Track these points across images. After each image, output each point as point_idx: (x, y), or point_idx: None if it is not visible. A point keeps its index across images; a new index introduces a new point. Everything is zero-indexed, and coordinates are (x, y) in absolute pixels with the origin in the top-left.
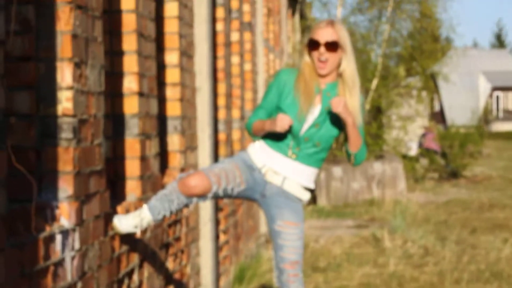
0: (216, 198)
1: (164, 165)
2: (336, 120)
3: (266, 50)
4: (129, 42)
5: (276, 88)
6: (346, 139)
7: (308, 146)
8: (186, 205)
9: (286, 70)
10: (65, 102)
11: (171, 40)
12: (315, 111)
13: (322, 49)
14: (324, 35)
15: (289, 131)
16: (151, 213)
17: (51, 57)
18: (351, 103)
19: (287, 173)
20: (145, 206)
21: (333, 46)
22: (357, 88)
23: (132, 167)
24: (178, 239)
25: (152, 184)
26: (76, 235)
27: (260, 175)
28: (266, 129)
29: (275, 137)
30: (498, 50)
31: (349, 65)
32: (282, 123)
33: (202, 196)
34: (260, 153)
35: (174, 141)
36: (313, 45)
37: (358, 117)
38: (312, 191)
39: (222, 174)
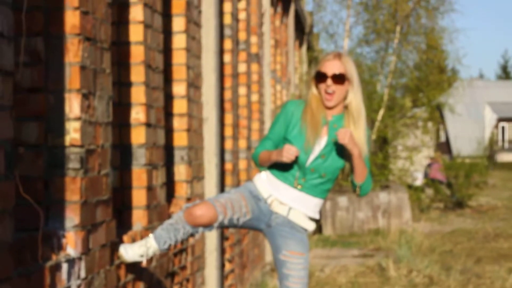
0: (222, 228)
1: (170, 194)
2: (342, 151)
3: (273, 81)
4: (137, 74)
5: (283, 119)
6: (351, 170)
7: (314, 177)
8: (192, 235)
9: (293, 101)
10: (73, 132)
11: (179, 72)
12: (322, 142)
13: (329, 81)
14: (331, 67)
15: (295, 161)
16: (157, 243)
17: (59, 88)
18: (357, 134)
19: (293, 203)
20: (151, 236)
21: (340, 79)
22: (363, 119)
23: (139, 196)
24: (183, 267)
25: (158, 213)
26: (82, 264)
27: (266, 205)
28: (272, 160)
29: (281, 168)
30: (503, 81)
31: (355, 97)
32: (288, 153)
33: (208, 226)
34: (266, 183)
35: (180, 171)
36: (320, 77)
37: (364, 148)
38: (317, 221)
39: (228, 204)
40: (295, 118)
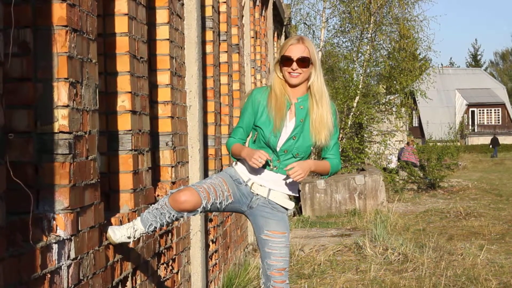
0: (206, 212)
1: (156, 178)
2: (315, 125)
3: (253, 70)
4: (123, 63)
5: (250, 108)
6: (323, 152)
7: (288, 157)
8: (177, 219)
9: (258, 89)
10: (61, 119)
11: (163, 61)
12: (291, 124)
13: (294, 65)
14: (296, 51)
15: (269, 146)
16: (143, 225)
17: (48, 77)
18: (320, 113)
19: (271, 184)
20: (138, 218)
21: (304, 62)
22: (325, 99)
23: (126, 180)
24: (169, 248)
25: (144, 196)
26: (72, 245)
27: (246, 187)
28: (242, 157)
29: None
30: (472, 68)
31: (317, 79)
32: (256, 161)
33: (192, 211)
34: (244, 167)
35: (165, 156)
36: (285, 61)
37: (330, 125)
38: (297, 200)
39: (211, 189)
40: (261, 104)
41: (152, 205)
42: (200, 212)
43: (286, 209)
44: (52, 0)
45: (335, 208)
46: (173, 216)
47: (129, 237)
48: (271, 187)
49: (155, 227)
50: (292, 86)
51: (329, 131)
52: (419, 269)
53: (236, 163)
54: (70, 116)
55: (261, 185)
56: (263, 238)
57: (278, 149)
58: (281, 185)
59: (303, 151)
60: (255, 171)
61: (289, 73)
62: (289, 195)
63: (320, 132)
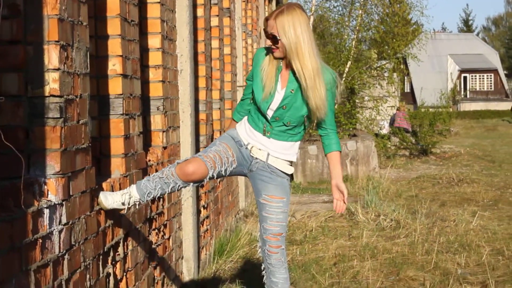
0: (210, 179)
1: (147, 143)
2: (304, 101)
3: (244, 34)
4: (113, 26)
5: (253, 69)
6: (317, 124)
7: (279, 125)
8: (183, 188)
9: (261, 49)
10: (52, 83)
11: (154, 25)
12: (282, 93)
13: (267, 41)
14: (268, 26)
15: (260, 111)
16: (140, 193)
17: (38, 40)
18: (319, 95)
19: (268, 148)
20: (133, 186)
21: (274, 39)
22: (318, 81)
23: (117, 145)
24: (161, 213)
25: (135, 161)
26: (63, 210)
27: (246, 150)
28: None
29: (254, 117)
30: (465, 34)
31: (304, 66)
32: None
33: (199, 181)
34: (244, 130)
35: (156, 121)
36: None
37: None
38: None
39: (217, 157)
40: (258, 66)
41: (153, 173)
42: (206, 181)
43: (287, 174)
44: None
45: (327, 174)
46: (179, 186)
47: (123, 203)
48: (269, 151)
49: (154, 196)
50: (277, 58)
51: (324, 110)
52: (412, 235)
53: (239, 125)
54: (61, 79)
55: (260, 149)
56: (261, 202)
57: (269, 116)
58: (275, 149)
59: (295, 120)
60: (253, 134)
61: (270, 45)
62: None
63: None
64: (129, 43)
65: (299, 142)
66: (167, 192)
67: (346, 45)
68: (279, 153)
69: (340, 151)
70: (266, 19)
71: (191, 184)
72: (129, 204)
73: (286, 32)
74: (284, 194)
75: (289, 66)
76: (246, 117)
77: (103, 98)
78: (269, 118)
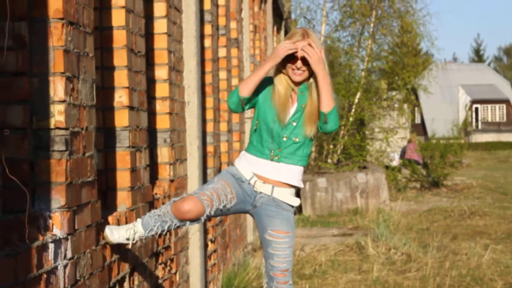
0: (209, 218)
1: (154, 176)
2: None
3: (253, 65)
4: (120, 58)
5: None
6: (318, 98)
7: (288, 144)
8: (179, 227)
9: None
10: (57, 115)
11: (161, 56)
12: (292, 110)
13: (299, 63)
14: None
15: (269, 134)
16: (144, 229)
17: (44, 71)
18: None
19: (275, 176)
20: (138, 221)
21: (306, 60)
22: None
23: (123, 178)
24: (167, 248)
25: (142, 194)
26: (69, 244)
27: (249, 186)
28: (262, 69)
29: (256, 145)
30: (476, 64)
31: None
32: (278, 52)
33: (195, 220)
34: (245, 164)
35: (163, 153)
36: (290, 57)
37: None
38: (297, 197)
39: (214, 195)
40: (263, 95)
41: (154, 210)
42: (204, 220)
43: (292, 206)
44: None
45: (336, 207)
46: (175, 224)
47: (127, 239)
48: (275, 178)
49: (156, 232)
50: (295, 83)
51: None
52: (423, 269)
53: (237, 161)
54: (67, 111)
55: (264, 183)
56: (266, 238)
57: (281, 136)
58: (284, 175)
59: (302, 135)
60: (257, 165)
61: (293, 69)
62: (294, 188)
63: (310, 124)
64: (136, 75)
65: (303, 169)
66: (166, 230)
67: (355, 76)
68: (287, 177)
69: (334, 108)
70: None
71: (188, 223)
72: (134, 240)
73: (319, 46)
74: (290, 228)
75: (298, 85)
76: (243, 152)
77: (109, 130)
78: (279, 139)
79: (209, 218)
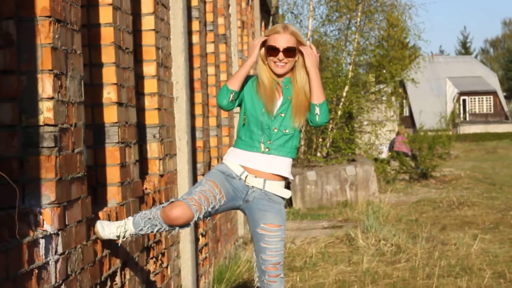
0: (198, 221)
1: (144, 171)
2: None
3: (241, 60)
4: (108, 55)
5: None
6: (309, 92)
7: (278, 136)
8: (169, 231)
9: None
10: (46, 112)
11: (149, 52)
12: (278, 103)
13: (281, 55)
14: (282, 41)
15: (258, 126)
16: (134, 228)
17: (32, 69)
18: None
19: (266, 168)
20: (130, 219)
21: (291, 52)
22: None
23: (113, 173)
24: (158, 242)
25: (132, 190)
26: (59, 240)
27: (241, 181)
28: (246, 64)
29: (245, 139)
30: (463, 56)
31: (300, 74)
32: (253, 44)
33: (184, 225)
34: (235, 159)
35: (153, 149)
36: (271, 50)
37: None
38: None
39: (202, 199)
40: (249, 91)
41: (145, 210)
42: (193, 224)
43: (283, 199)
44: None
45: (326, 199)
46: (165, 229)
47: (118, 236)
48: (266, 170)
49: (146, 233)
50: (278, 75)
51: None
52: (413, 260)
53: (226, 158)
54: (55, 108)
55: (256, 177)
56: (259, 233)
57: (271, 128)
58: (275, 167)
59: (291, 127)
60: (247, 159)
61: (275, 62)
62: (284, 180)
63: (299, 115)
64: (124, 71)
65: (292, 161)
66: (155, 232)
67: (342, 70)
68: (278, 169)
69: (325, 103)
70: (272, 35)
71: (177, 228)
72: (124, 238)
73: (300, 38)
74: (282, 221)
75: (281, 77)
76: (232, 148)
77: (98, 127)
78: (269, 131)
79: (199, 220)
